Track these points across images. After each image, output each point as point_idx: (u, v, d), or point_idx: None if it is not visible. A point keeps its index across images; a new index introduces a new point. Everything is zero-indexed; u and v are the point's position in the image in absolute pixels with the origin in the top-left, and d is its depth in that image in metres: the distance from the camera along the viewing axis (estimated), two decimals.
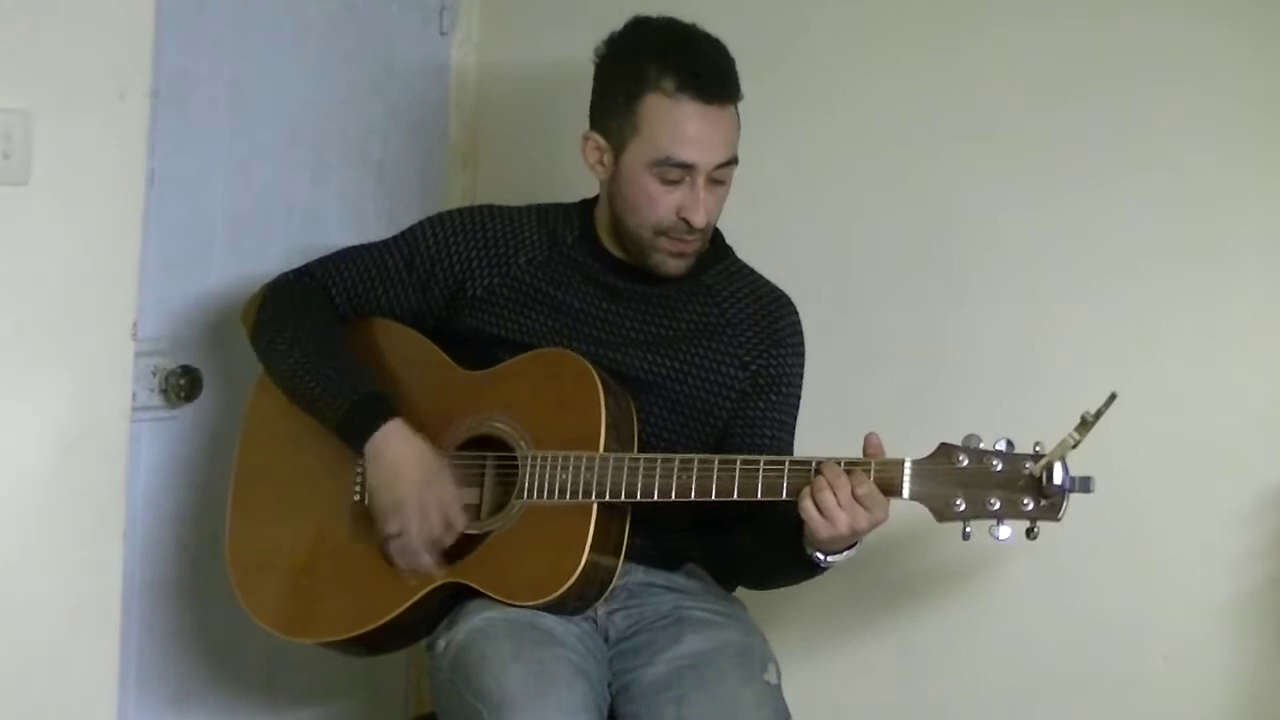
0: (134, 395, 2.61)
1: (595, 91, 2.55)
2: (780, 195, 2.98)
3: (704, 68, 2.47)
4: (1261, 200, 2.66)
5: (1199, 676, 2.69)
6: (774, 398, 2.56)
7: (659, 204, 2.48)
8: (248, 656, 2.71)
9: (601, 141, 2.52)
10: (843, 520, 2.26)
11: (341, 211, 3.05)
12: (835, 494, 2.25)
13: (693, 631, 2.47)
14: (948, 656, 2.87)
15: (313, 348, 2.55)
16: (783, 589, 2.56)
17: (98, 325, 2.49)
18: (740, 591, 2.64)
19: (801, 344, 2.62)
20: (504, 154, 3.26)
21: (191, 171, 2.80)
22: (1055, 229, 2.79)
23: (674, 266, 2.53)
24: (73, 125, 2.41)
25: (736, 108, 2.50)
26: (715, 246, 2.62)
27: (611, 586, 2.45)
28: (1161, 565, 2.72)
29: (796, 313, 2.63)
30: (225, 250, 2.86)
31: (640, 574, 2.53)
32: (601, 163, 2.53)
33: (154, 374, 2.77)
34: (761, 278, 2.65)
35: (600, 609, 2.49)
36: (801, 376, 2.61)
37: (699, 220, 2.47)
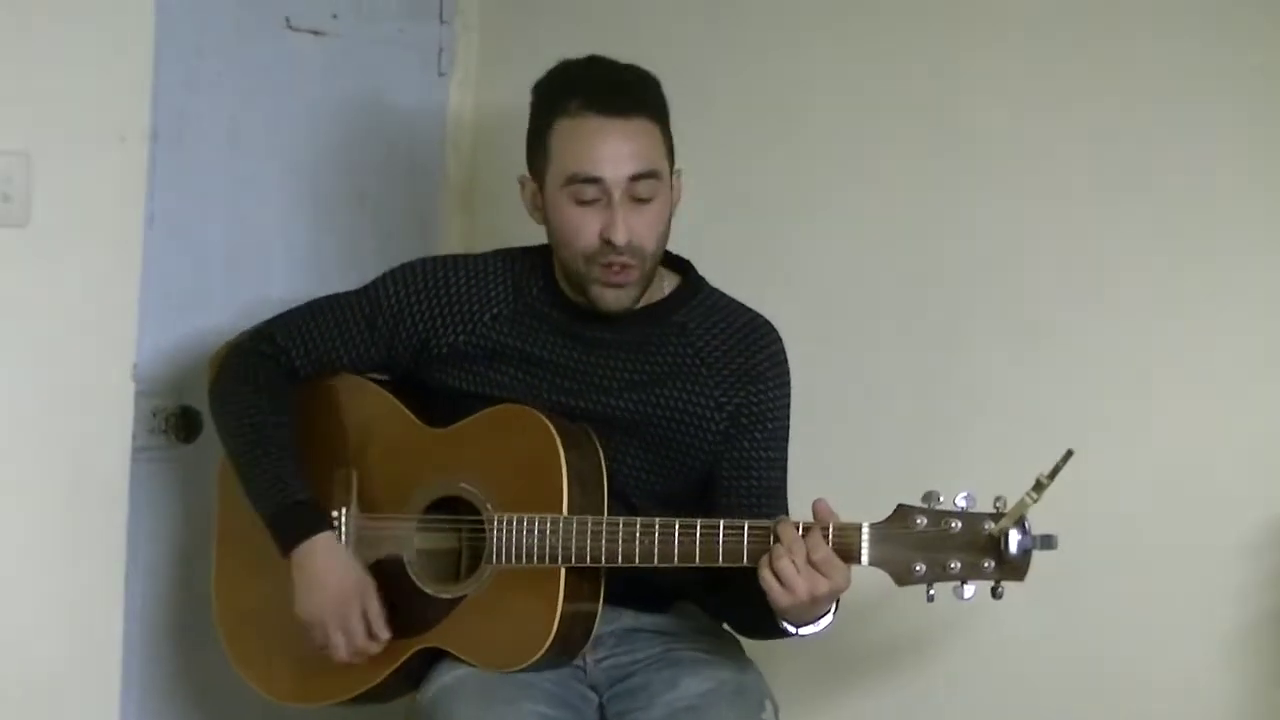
0: (134, 435, 2.63)
1: (527, 136, 2.51)
2: (770, 231, 2.98)
3: (606, 85, 2.42)
4: (1264, 228, 2.66)
5: (1202, 711, 2.67)
6: (758, 435, 2.50)
7: (581, 230, 2.41)
8: (249, 695, 2.70)
9: (531, 183, 2.49)
10: (801, 587, 2.22)
11: (339, 252, 3.06)
12: (792, 560, 2.22)
13: (688, 674, 2.45)
14: (950, 693, 2.85)
15: (255, 438, 2.52)
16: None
17: (98, 366, 2.51)
18: None
19: (785, 373, 2.55)
20: (501, 195, 3.24)
21: (190, 212, 2.81)
22: (1051, 262, 2.78)
23: (612, 299, 2.45)
24: (72, 167, 2.43)
25: (658, 125, 2.44)
26: (688, 281, 2.57)
27: (595, 633, 2.43)
28: (1163, 599, 2.70)
29: (778, 340, 2.56)
30: (224, 291, 2.87)
31: (628, 619, 2.51)
32: (536, 205, 2.49)
33: (154, 414, 2.78)
34: (739, 306, 2.57)
35: (588, 657, 2.48)
36: (787, 407, 2.54)
37: (619, 237, 2.39)
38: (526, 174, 2.51)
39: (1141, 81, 2.73)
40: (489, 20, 3.29)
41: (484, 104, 3.28)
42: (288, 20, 2.96)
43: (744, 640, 2.58)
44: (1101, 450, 2.64)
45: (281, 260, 2.99)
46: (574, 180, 2.40)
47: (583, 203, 2.41)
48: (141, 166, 2.52)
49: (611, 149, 2.40)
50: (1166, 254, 2.71)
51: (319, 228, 3.05)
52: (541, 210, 2.49)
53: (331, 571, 2.46)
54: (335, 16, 3.04)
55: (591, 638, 2.44)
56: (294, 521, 2.47)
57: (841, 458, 2.85)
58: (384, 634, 2.46)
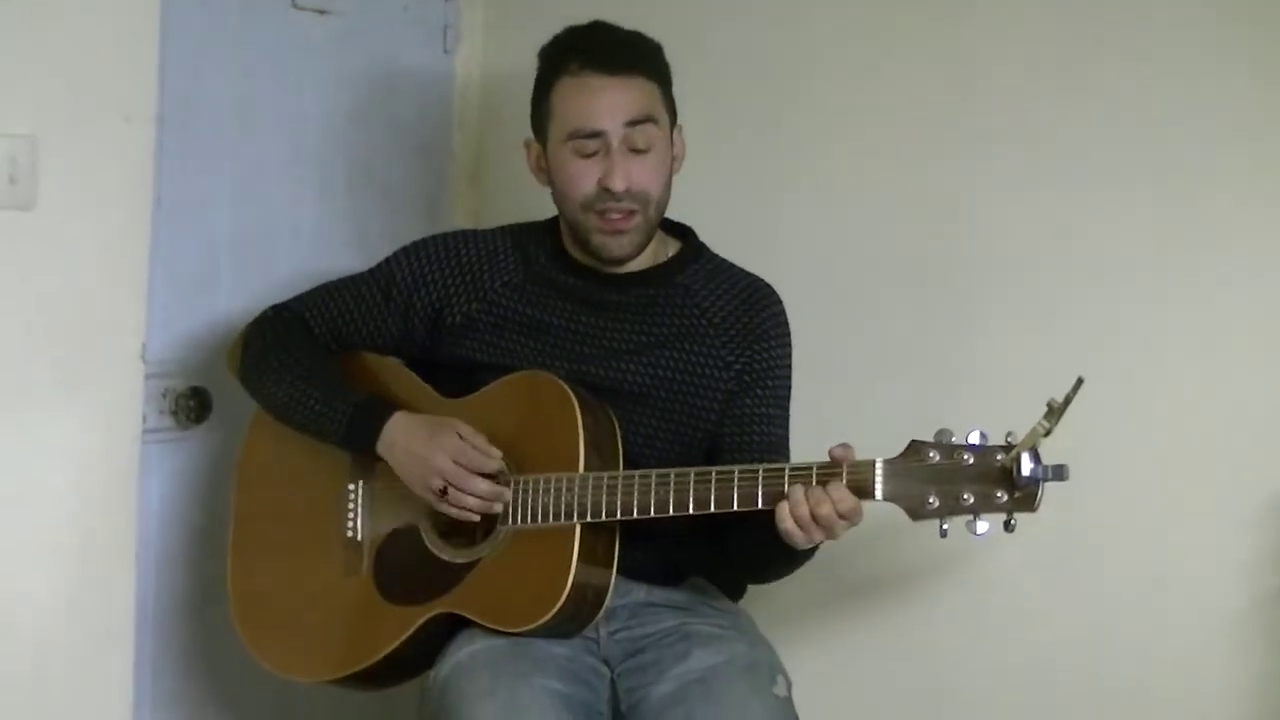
0: (144, 417, 2.63)
1: (531, 102, 2.58)
2: (777, 203, 2.98)
3: (604, 44, 2.51)
4: (1266, 204, 2.65)
5: (1210, 685, 2.67)
6: (760, 392, 2.55)
7: (580, 179, 2.49)
8: (262, 676, 2.71)
9: (535, 145, 2.57)
10: (819, 534, 2.28)
11: (347, 232, 3.06)
12: (812, 510, 2.25)
13: (699, 647, 2.46)
14: (956, 668, 2.86)
15: (302, 371, 2.57)
16: (788, 579, 2.54)
17: (107, 348, 2.51)
18: (749, 600, 2.64)
19: (786, 333, 2.60)
20: (509, 171, 3.25)
21: (197, 194, 2.82)
22: (1058, 236, 2.78)
23: (615, 247, 2.52)
24: (79, 150, 2.42)
25: (656, 84, 2.51)
26: (689, 245, 2.63)
27: (606, 603, 2.45)
28: (1172, 572, 2.70)
29: (779, 302, 2.61)
30: (232, 272, 2.88)
31: (642, 593, 2.53)
32: (540, 167, 2.57)
33: (164, 396, 2.79)
34: (740, 270, 2.63)
35: (602, 630, 2.49)
36: (789, 366, 2.60)
37: (617, 184, 2.47)
38: (531, 137, 2.58)
39: (1150, 50, 2.72)
40: None
41: (490, 81, 3.28)
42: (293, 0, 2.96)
43: (757, 606, 2.60)
44: (1107, 425, 2.65)
45: (289, 240, 2.99)
46: (575, 135, 2.49)
47: (584, 155, 2.49)
48: (148, 148, 2.51)
49: (609, 101, 2.48)
50: (1174, 227, 2.71)
51: (326, 207, 3.05)
52: (545, 171, 2.56)
53: (414, 434, 2.47)
54: None
55: (604, 607, 2.45)
56: (366, 416, 2.50)
57: (844, 421, 2.85)
58: (492, 449, 2.44)
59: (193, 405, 2.82)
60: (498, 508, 2.44)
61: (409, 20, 3.19)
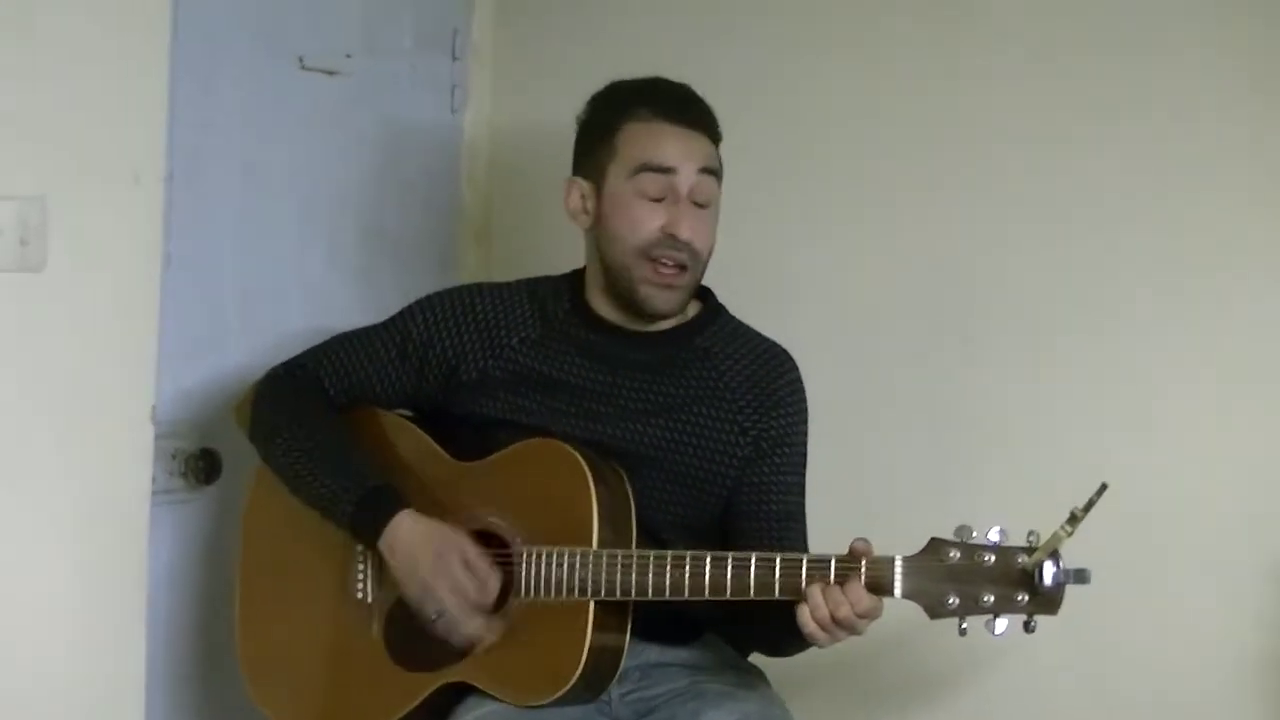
0: (154, 479, 2.62)
1: (576, 144, 2.58)
2: (785, 257, 2.99)
3: (678, 98, 2.52)
4: (1274, 241, 2.65)
5: None
6: (777, 460, 2.54)
7: (643, 223, 2.47)
8: None
9: (583, 184, 2.54)
10: (843, 634, 2.26)
11: (356, 290, 3.06)
12: (832, 613, 2.24)
13: (712, 706, 2.43)
14: (972, 714, 2.85)
15: (312, 445, 2.54)
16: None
17: (117, 409, 2.50)
18: (760, 661, 2.62)
19: (803, 401, 2.59)
20: (518, 228, 3.27)
21: (205, 253, 2.81)
22: (1068, 285, 2.78)
23: (662, 301, 2.50)
24: (88, 210, 2.42)
25: (716, 147, 2.52)
26: (708, 306, 2.61)
27: (621, 668, 2.43)
28: (1186, 621, 2.69)
29: (796, 369, 2.60)
30: (241, 331, 2.87)
31: (654, 653, 2.51)
32: (585, 210, 2.54)
33: (174, 457, 2.78)
34: (758, 335, 2.62)
35: (614, 692, 2.47)
36: (805, 434, 2.58)
37: (684, 233, 2.46)
38: (574, 177, 2.56)
39: (1156, 96, 2.73)
40: (501, 56, 3.30)
41: (498, 138, 3.29)
42: (301, 60, 2.97)
43: (772, 672, 2.58)
44: (1119, 473, 2.64)
45: (298, 299, 2.99)
46: (646, 168, 2.47)
47: (649, 197, 2.46)
48: (158, 208, 2.51)
49: (684, 146, 2.48)
50: (1187, 273, 2.71)
51: (335, 266, 3.05)
52: (590, 213, 2.53)
53: (421, 543, 2.44)
54: (348, 56, 3.05)
55: (617, 675, 2.43)
56: (373, 507, 2.47)
57: (857, 480, 2.85)
58: (492, 580, 2.42)
59: (202, 466, 2.81)
60: (481, 649, 2.42)
61: (416, 80, 3.20)
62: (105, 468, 2.49)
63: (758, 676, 2.57)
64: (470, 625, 2.42)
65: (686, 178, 2.47)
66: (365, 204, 3.09)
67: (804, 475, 2.58)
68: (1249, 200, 2.67)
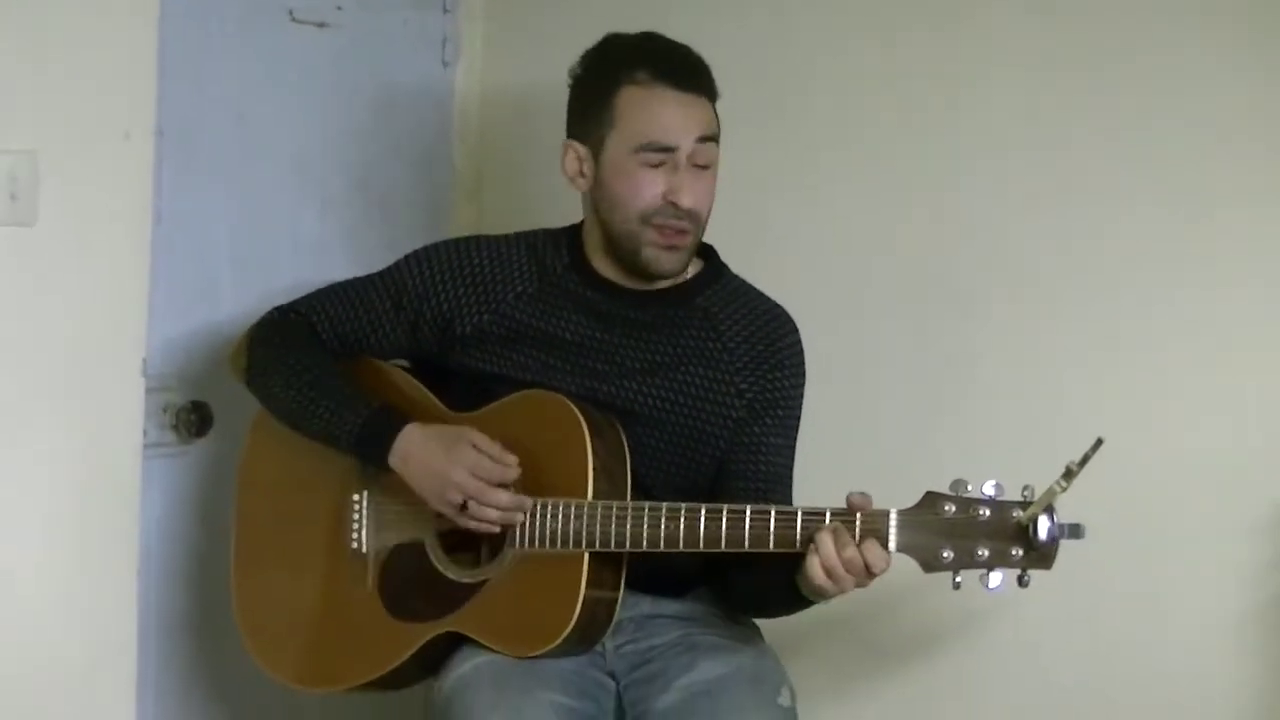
0: (145, 432, 2.63)
1: (571, 104, 2.56)
2: (779, 218, 2.98)
3: (676, 60, 2.49)
4: (1265, 216, 2.65)
5: (1217, 692, 2.67)
6: (770, 421, 2.53)
7: (644, 190, 2.46)
8: (266, 690, 2.71)
9: (580, 148, 2.52)
10: (850, 583, 2.26)
11: (347, 245, 3.06)
12: (842, 560, 2.23)
13: (705, 658, 2.46)
14: (956, 677, 2.86)
15: (311, 378, 2.54)
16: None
17: (108, 363, 2.50)
18: None
19: (801, 364, 2.58)
20: (509, 183, 3.27)
21: (197, 208, 2.81)
22: (1061, 249, 2.78)
23: (666, 262, 2.50)
24: (79, 165, 2.42)
25: (714, 106, 2.51)
26: (710, 265, 2.61)
27: (615, 620, 2.44)
28: (1174, 584, 2.70)
29: (796, 331, 2.59)
30: (232, 285, 2.87)
31: (647, 605, 2.52)
32: (581, 172, 2.53)
33: (165, 410, 2.78)
34: (760, 295, 2.61)
35: (608, 644, 2.49)
36: (801, 398, 2.58)
37: (686, 201, 2.46)
38: (571, 140, 2.54)
39: (1147, 65, 2.72)
40: (493, 8, 3.29)
41: (490, 92, 3.28)
42: (291, 13, 2.96)
43: (763, 627, 2.59)
44: (1110, 436, 2.65)
45: (289, 254, 2.98)
46: (648, 148, 2.46)
47: (651, 166, 2.46)
48: (148, 163, 2.51)
49: (684, 116, 2.46)
50: (1176, 237, 2.71)
51: (327, 220, 3.05)
52: (588, 176, 2.52)
53: (429, 447, 2.45)
54: (339, 8, 3.03)
55: (611, 627, 2.44)
56: (378, 427, 2.47)
57: (852, 445, 2.86)
58: (508, 456, 2.42)
59: (194, 419, 2.81)
60: (520, 517, 2.41)
61: (408, 33, 3.19)
62: (97, 421, 2.50)
63: (751, 628, 2.58)
64: (499, 499, 2.41)
65: (687, 149, 2.46)
66: (356, 158, 3.08)
67: (794, 439, 2.57)
68: (1248, 161, 2.67)
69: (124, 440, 2.54)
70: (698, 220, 2.50)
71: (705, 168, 2.48)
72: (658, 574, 2.49)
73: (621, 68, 2.48)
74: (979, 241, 2.84)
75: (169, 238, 2.70)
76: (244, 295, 2.87)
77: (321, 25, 3.01)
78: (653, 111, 2.46)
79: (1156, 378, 2.72)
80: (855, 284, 2.93)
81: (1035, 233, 2.80)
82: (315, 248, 3.02)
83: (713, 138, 2.49)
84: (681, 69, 2.48)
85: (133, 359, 2.53)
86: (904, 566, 2.26)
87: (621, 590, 2.44)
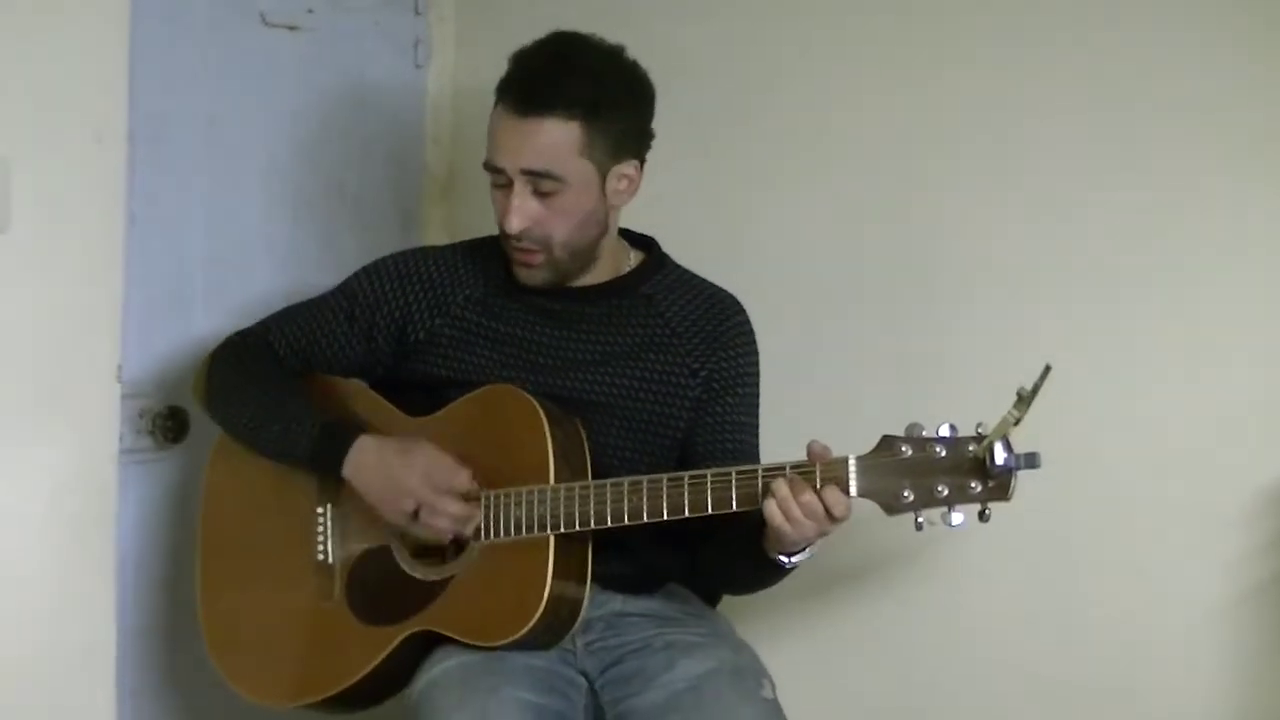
0: (122, 437, 2.62)
1: None
2: (745, 204, 2.99)
3: (523, 78, 2.47)
4: (1245, 203, 2.65)
5: (1195, 678, 2.68)
6: (730, 400, 2.56)
7: (496, 210, 2.51)
8: (244, 696, 2.71)
9: None
10: (811, 528, 2.27)
11: (321, 247, 3.06)
12: (799, 504, 2.25)
13: (684, 655, 2.46)
14: (935, 664, 2.86)
15: (267, 398, 2.56)
16: (761, 593, 2.54)
17: (83, 369, 2.50)
18: (726, 603, 2.64)
19: (752, 342, 2.61)
20: (481, 184, 3.21)
21: (170, 212, 2.81)
22: (1036, 234, 2.78)
23: (524, 276, 2.53)
24: (51, 170, 2.42)
25: (578, 121, 2.44)
26: (652, 256, 2.63)
27: (583, 615, 2.44)
28: (1156, 567, 2.70)
29: (743, 312, 2.62)
30: (207, 290, 2.87)
31: (618, 603, 2.53)
32: None
33: (141, 416, 2.78)
34: (703, 281, 2.63)
35: (578, 641, 2.49)
36: (757, 375, 2.60)
37: (509, 225, 2.46)
38: None
39: (1121, 54, 2.73)
40: (464, 11, 3.29)
41: (461, 94, 3.28)
42: (263, 16, 2.96)
43: (735, 618, 2.60)
44: (1086, 420, 2.66)
45: (263, 256, 2.98)
46: (487, 167, 2.49)
47: (496, 185, 2.49)
48: (120, 167, 2.51)
49: (513, 145, 2.46)
50: (1150, 221, 2.71)
51: (299, 223, 3.05)
52: None
53: (383, 455, 2.46)
54: (311, 11, 3.03)
55: (580, 619, 2.45)
56: (333, 438, 2.48)
57: (814, 420, 2.84)
58: (461, 471, 2.43)
59: (170, 425, 2.81)
60: (470, 529, 2.43)
61: (380, 35, 3.19)
62: (73, 427, 2.49)
63: (724, 623, 2.59)
64: (451, 507, 2.42)
65: (514, 174, 2.46)
66: (328, 160, 3.08)
67: (757, 417, 2.60)
68: (1227, 148, 2.66)
69: (100, 446, 2.54)
70: (544, 243, 2.49)
71: (548, 194, 2.46)
72: (627, 570, 2.51)
73: (501, 84, 2.49)
74: (951, 233, 2.85)
75: (142, 242, 2.69)
76: (218, 299, 2.87)
77: (293, 28, 3.01)
78: (491, 132, 2.49)
79: (1134, 362, 2.72)
80: (827, 280, 2.93)
81: (1010, 224, 2.80)
82: (288, 250, 3.02)
83: (544, 174, 2.45)
84: (521, 89, 2.45)
85: (108, 365, 2.53)
86: (867, 513, 2.25)
87: (589, 582, 2.44)
